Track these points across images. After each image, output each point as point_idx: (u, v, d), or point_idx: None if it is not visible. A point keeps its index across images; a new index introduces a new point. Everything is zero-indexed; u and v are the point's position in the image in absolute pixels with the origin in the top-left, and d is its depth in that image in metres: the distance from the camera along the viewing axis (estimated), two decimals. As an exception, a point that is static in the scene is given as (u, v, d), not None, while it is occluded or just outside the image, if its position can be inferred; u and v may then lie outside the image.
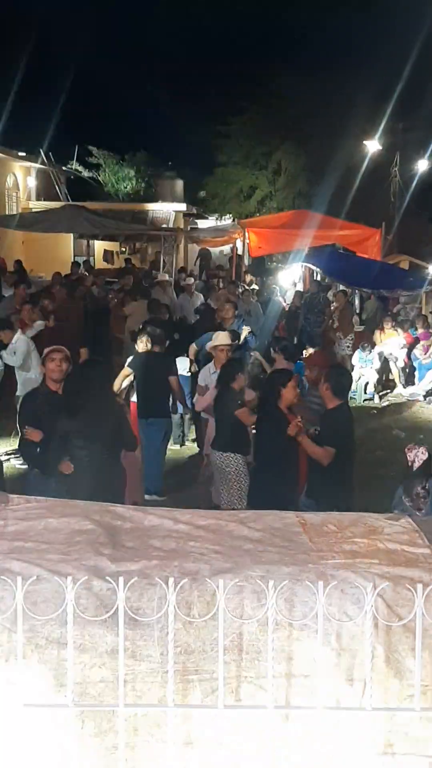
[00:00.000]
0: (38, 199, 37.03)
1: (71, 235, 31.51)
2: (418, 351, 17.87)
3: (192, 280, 23.03)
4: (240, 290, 20.70)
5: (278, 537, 3.56)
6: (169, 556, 3.31)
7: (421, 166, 35.16)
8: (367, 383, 17.52)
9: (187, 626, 3.07)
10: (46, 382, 8.31)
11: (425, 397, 16.87)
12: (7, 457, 10.98)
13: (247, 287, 22.08)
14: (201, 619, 3.03)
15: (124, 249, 34.39)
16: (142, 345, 10.58)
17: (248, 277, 24.95)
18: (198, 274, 28.56)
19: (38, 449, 7.77)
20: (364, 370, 17.40)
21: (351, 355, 17.91)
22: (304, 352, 12.29)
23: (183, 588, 3.00)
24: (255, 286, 22.68)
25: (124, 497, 7.43)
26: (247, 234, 24.79)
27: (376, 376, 17.60)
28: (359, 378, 17.01)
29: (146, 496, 9.91)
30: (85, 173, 41.80)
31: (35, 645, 3.03)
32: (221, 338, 10.51)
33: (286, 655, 3.11)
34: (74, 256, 32.34)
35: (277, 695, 3.04)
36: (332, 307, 19.43)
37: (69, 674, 2.86)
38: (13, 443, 10.64)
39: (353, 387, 15.45)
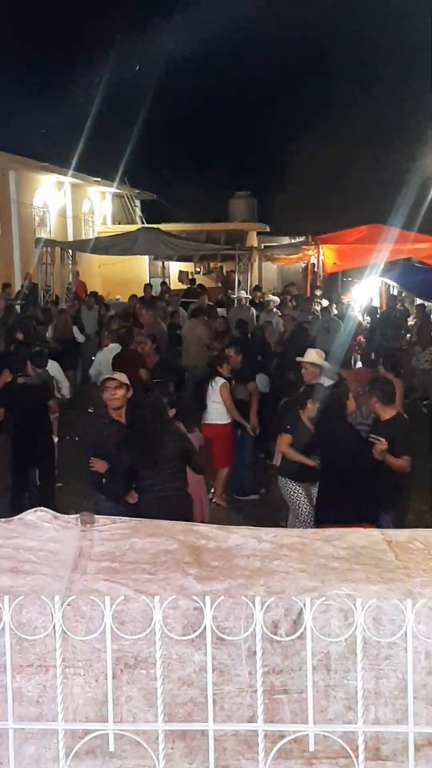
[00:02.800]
0: (114, 222, 37.56)
1: (146, 257, 31.86)
2: None
3: (272, 297, 23.12)
4: (318, 307, 20.69)
5: (364, 555, 3.53)
6: (255, 575, 3.31)
7: None
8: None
9: (275, 645, 3.06)
10: (107, 410, 8.36)
11: None
12: None
13: (325, 304, 22.06)
14: (288, 638, 3.02)
15: (199, 269, 34.62)
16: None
17: (317, 293, 24.93)
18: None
19: (104, 480, 7.81)
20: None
21: (430, 369, 17.73)
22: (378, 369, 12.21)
23: (269, 607, 3.00)
24: (325, 302, 22.65)
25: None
26: (321, 250, 24.75)
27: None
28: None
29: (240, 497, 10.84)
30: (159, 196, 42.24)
31: (124, 664, 3.06)
32: (311, 356, 10.46)
33: (374, 675, 3.08)
34: (150, 277, 32.69)
35: (367, 715, 3.01)
36: (410, 321, 19.28)
37: (158, 693, 2.88)
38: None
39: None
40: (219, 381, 11.16)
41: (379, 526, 6.76)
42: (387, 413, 8.20)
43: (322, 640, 3.04)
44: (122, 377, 8.45)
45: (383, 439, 7.79)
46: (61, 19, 42.14)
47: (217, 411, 11.12)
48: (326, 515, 7.90)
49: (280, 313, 21.14)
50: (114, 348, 13.82)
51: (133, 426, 7.80)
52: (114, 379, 8.44)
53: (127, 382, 8.41)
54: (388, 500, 7.96)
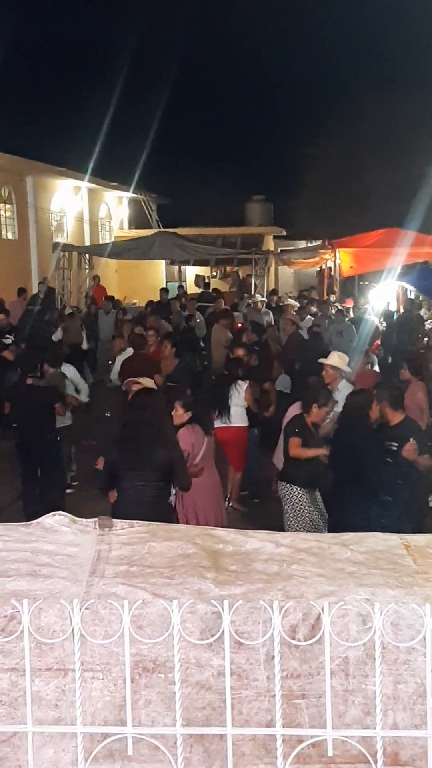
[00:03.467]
0: (130, 227, 37.68)
1: (163, 261, 31.94)
2: None
3: (292, 301, 23.13)
4: (332, 311, 20.69)
5: (382, 559, 3.52)
6: (273, 580, 3.30)
7: None
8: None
9: (293, 650, 3.06)
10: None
11: None
12: None
13: (340, 307, 22.05)
14: (306, 643, 3.02)
15: (215, 273, 34.68)
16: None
17: (332, 297, 24.92)
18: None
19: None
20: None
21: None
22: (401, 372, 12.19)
23: (288, 611, 3.00)
24: (338, 306, 22.65)
25: None
26: (338, 254, 24.74)
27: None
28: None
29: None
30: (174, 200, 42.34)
31: (142, 668, 3.06)
32: (333, 359, 10.44)
33: (393, 680, 3.07)
34: (166, 282, 32.77)
35: (385, 720, 3.00)
36: (427, 325, 19.24)
37: (176, 697, 2.88)
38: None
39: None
40: (243, 384, 11.18)
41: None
42: (396, 417, 8.20)
43: (340, 645, 3.03)
44: (147, 381, 8.51)
45: (412, 439, 7.78)
46: (78, 26, 42.40)
47: (238, 414, 11.15)
48: (346, 525, 7.86)
49: (300, 318, 21.13)
50: (131, 352, 13.90)
51: (125, 426, 7.75)
52: (138, 382, 8.51)
53: (152, 385, 8.45)
54: (408, 512, 7.94)
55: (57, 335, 17.31)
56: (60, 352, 13.08)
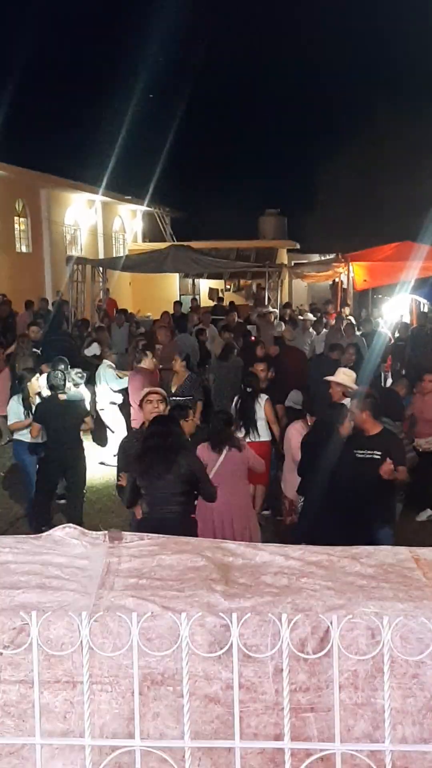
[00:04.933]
0: (144, 240, 37.80)
1: (177, 274, 32.01)
2: None
3: (310, 315, 23.09)
4: (343, 324, 20.69)
5: (392, 573, 3.52)
6: (282, 593, 3.30)
7: None
8: None
9: (301, 663, 3.05)
10: (146, 424, 8.33)
11: None
12: None
13: (350, 320, 22.02)
14: (315, 656, 3.01)
15: (229, 286, 34.75)
16: None
17: (346, 310, 24.88)
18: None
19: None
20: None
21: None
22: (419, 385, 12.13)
23: (296, 624, 3.00)
24: (351, 319, 22.60)
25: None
26: (351, 267, 24.73)
27: None
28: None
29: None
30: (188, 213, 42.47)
31: (151, 681, 3.06)
32: (339, 376, 10.39)
33: (402, 693, 3.06)
34: (180, 295, 32.84)
35: (394, 734, 2.99)
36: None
37: (185, 710, 2.88)
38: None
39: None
40: (263, 397, 11.18)
41: (380, 542, 6.74)
42: (375, 428, 8.26)
43: (349, 658, 3.03)
44: (163, 392, 8.55)
45: (389, 459, 7.80)
46: (94, 40, 42.67)
47: (263, 428, 11.15)
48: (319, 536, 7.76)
49: (316, 332, 21.12)
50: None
51: (146, 441, 7.71)
52: (157, 392, 8.53)
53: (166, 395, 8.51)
54: (383, 516, 7.99)
55: (92, 350, 17.28)
56: (84, 368, 13.21)
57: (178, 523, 7.06)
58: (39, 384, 11.33)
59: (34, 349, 15.78)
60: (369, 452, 7.99)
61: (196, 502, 7.72)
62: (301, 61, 40.90)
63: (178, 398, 12.17)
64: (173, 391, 12.70)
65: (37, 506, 10.71)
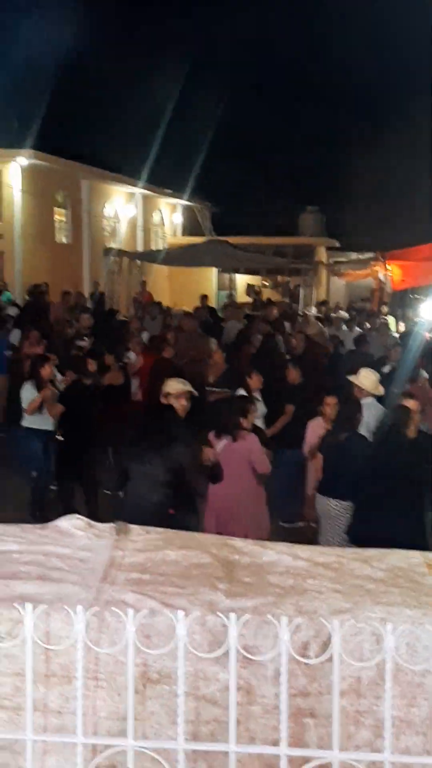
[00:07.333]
0: (183, 234, 37.76)
1: (214, 269, 31.91)
2: None
3: (343, 313, 22.88)
4: (377, 323, 20.51)
5: (402, 577, 3.42)
6: (286, 594, 3.22)
7: None
8: None
9: (302, 667, 2.96)
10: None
11: None
12: None
13: (385, 320, 21.80)
14: (316, 660, 2.91)
15: (266, 283, 34.59)
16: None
17: (384, 309, 24.67)
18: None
19: None
20: None
21: None
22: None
23: (300, 628, 2.91)
24: (388, 318, 22.38)
25: None
26: (389, 266, 24.51)
27: None
28: None
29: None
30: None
31: (147, 679, 2.99)
32: (359, 377, 10.25)
33: (406, 702, 2.96)
34: (218, 290, 32.74)
35: (396, 744, 2.89)
36: None
37: (179, 711, 2.80)
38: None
39: None
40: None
41: None
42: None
43: (351, 664, 2.93)
44: (188, 385, 8.48)
45: None
46: (136, 31, 42.65)
47: None
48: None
49: (348, 329, 20.94)
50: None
51: (141, 426, 7.69)
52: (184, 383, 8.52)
53: (192, 390, 8.42)
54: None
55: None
56: None
57: (151, 514, 6.91)
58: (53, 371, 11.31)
59: (85, 337, 15.75)
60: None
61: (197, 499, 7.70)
62: (346, 57, 40.54)
63: (214, 389, 12.09)
64: (210, 381, 12.60)
65: (61, 493, 10.67)
